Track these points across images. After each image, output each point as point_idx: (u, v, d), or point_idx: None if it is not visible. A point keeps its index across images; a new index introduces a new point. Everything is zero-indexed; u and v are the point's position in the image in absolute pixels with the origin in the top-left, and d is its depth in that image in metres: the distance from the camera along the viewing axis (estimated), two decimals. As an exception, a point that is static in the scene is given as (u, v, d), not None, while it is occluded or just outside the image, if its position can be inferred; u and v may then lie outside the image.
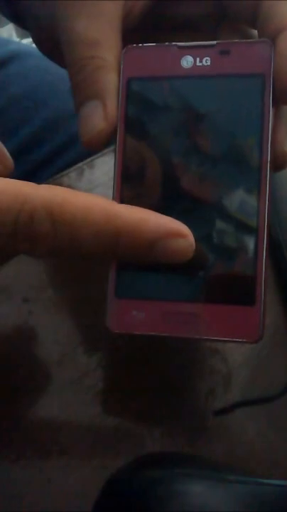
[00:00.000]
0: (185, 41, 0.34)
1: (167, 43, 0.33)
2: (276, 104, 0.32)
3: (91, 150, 0.33)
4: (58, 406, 0.36)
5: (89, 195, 0.29)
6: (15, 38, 1.45)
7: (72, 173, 0.43)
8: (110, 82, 0.33)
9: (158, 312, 0.32)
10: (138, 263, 0.31)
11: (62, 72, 0.36)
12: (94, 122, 0.33)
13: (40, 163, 0.57)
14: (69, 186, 0.42)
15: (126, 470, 0.31)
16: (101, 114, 0.33)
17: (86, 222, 0.28)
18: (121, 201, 0.32)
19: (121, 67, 0.33)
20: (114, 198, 0.32)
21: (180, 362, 0.38)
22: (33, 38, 0.40)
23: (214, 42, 0.33)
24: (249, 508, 0.29)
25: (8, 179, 0.28)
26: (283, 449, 0.36)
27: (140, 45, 0.33)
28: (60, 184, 0.43)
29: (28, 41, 1.45)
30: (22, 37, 1.47)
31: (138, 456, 0.32)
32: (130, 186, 0.32)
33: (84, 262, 0.34)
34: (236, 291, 0.31)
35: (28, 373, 0.37)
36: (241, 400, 0.37)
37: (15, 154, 0.56)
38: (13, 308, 0.39)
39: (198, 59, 0.33)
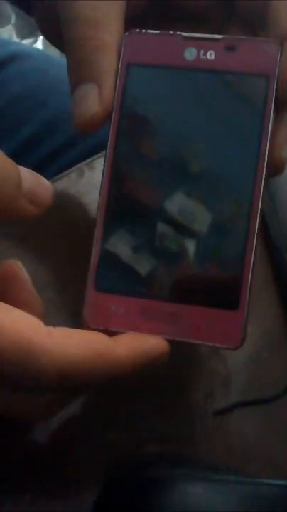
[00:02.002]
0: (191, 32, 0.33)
1: (171, 32, 0.32)
2: (278, 107, 0.32)
3: (83, 133, 0.33)
4: (58, 406, 0.36)
5: (93, 340, 0.29)
6: (16, 39, 1.45)
7: (72, 174, 0.43)
8: (108, 65, 0.32)
9: (137, 309, 0.31)
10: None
11: (62, 74, 0.35)
12: (88, 105, 0.32)
13: (40, 163, 0.57)
14: (69, 187, 0.42)
15: (126, 470, 0.31)
16: (96, 97, 0.32)
17: (89, 375, 0.29)
18: (109, 195, 0.32)
19: (122, 51, 0.32)
20: (101, 191, 0.32)
21: (180, 363, 0.38)
22: (36, 22, 0.39)
23: (220, 36, 0.32)
24: (249, 508, 0.29)
25: (20, 322, 0.28)
26: (282, 449, 0.36)
27: (143, 30, 0.32)
28: (59, 186, 0.42)
29: (28, 42, 1.45)
30: (22, 37, 1.46)
31: (138, 457, 0.32)
32: (119, 178, 0.32)
33: (85, 263, 0.34)
34: (220, 294, 0.31)
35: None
36: (240, 400, 0.37)
37: (15, 155, 0.56)
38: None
39: (202, 52, 0.32)
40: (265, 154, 0.31)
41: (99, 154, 0.43)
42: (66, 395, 0.31)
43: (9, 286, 0.31)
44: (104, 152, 0.33)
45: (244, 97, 0.32)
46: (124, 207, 0.32)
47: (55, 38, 0.37)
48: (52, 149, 0.58)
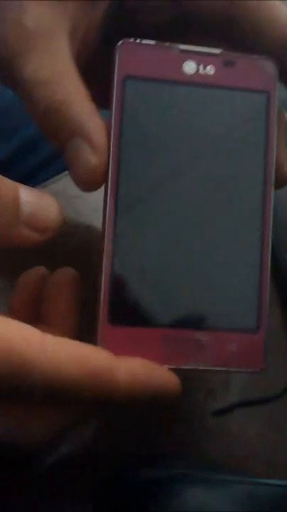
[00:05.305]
0: None
1: (167, 43, 0.31)
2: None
3: (91, 191, 0.30)
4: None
5: (92, 359, 0.28)
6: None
7: (71, 175, 0.43)
8: (82, 111, 0.30)
9: (156, 340, 0.30)
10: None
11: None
12: (84, 162, 0.30)
13: (40, 165, 0.57)
14: (67, 188, 0.42)
15: (125, 470, 0.31)
16: (88, 150, 0.30)
17: (82, 393, 0.27)
18: (115, 228, 0.30)
19: (117, 61, 0.30)
20: (106, 211, 0.30)
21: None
22: None
23: (218, 50, 0.31)
24: (247, 508, 0.29)
25: (13, 333, 0.27)
26: (281, 449, 0.36)
27: (137, 40, 0.31)
28: (58, 187, 0.42)
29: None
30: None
31: (137, 456, 0.32)
32: (125, 203, 0.30)
33: (84, 265, 0.34)
34: (240, 317, 0.31)
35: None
36: (240, 400, 0.37)
37: (15, 156, 0.56)
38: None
39: (201, 66, 0.31)
40: (272, 172, 0.31)
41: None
42: (65, 417, 0.29)
43: (56, 295, 0.30)
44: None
45: (247, 113, 0.31)
46: (135, 227, 0.31)
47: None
48: (51, 151, 0.58)
